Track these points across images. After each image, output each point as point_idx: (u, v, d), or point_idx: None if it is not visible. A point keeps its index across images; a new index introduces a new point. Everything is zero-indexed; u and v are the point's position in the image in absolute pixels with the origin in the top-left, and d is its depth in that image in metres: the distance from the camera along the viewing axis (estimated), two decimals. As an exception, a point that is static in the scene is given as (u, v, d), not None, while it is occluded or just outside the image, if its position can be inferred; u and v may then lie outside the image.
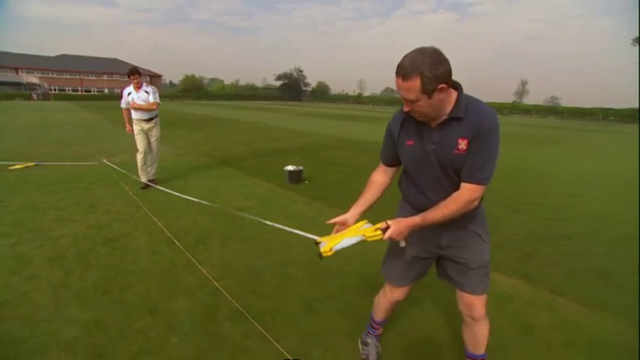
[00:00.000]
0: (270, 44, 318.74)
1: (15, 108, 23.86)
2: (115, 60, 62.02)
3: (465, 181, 1.27)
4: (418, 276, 1.62)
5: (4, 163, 6.16)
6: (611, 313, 2.36)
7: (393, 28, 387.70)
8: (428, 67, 1.15)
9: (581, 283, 2.77)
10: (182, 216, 3.92)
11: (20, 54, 53.75)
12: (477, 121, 1.24)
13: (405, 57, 1.20)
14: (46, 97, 42.77)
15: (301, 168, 5.57)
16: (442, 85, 1.18)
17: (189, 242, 3.20)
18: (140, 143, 4.96)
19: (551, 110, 48.27)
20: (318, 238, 1.43)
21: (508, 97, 65.26)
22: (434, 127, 1.32)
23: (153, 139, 5.10)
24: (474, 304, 1.49)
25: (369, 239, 1.31)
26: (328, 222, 1.52)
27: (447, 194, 1.32)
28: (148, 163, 5.08)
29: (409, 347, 1.99)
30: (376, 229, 1.33)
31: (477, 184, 1.25)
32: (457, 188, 1.31)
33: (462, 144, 1.27)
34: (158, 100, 4.95)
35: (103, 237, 3.28)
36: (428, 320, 2.23)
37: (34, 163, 6.28)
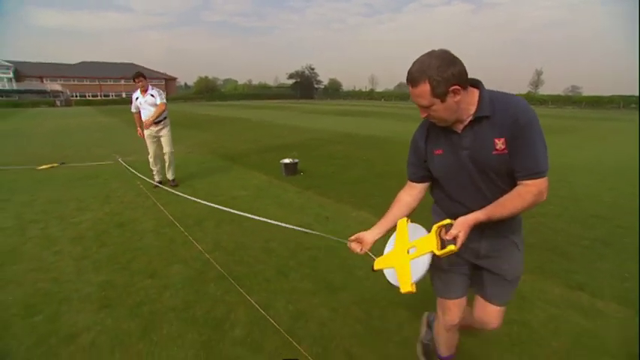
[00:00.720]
0: (283, 43, 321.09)
1: (40, 115, 25.29)
2: (132, 65, 63.93)
3: (527, 179, 1.18)
4: (465, 283, 1.50)
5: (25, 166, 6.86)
6: (543, 275, 2.72)
7: (405, 22, 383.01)
8: (435, 71, 1.11)
9: (529, 254, 3.10)
10: (185, 204, 4.42)
11: (44, 63, 56.37)
12: (510, 117, 1.16)
13: (413, 62, 1.17)
14: (68, 103, 44.81)
15: (296, 161, 6.02)
16: (455, 87, 1.14)
17: (189, 224, 3.71)
18: (150, 147, 5.23)
19: (569, 100, 47.03)
20: (374, 264, 1.35)
21: (524, 88, 63.97)
22: (462, 131, 1.25)
23: (164, 140, 5.23)
24: (496, 316, 1.47)
25: (441, 255, 1.16)
26: (349, 243, 1.46)
27: (486, 200, 1.24)
28: (164, 164, 5.34)
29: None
30: (443, 242, 1.18)
31: (541, 177, 1.17)
32: (498, 191, 1.24)
33: (499, 143, 1.19)
34: (164, 100, 5.10)
35: (115, 222, 3.81)
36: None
37: (58, 164, 6.96)
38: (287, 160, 5.98)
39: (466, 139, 1.24)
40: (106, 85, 57.30)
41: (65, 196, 4.76)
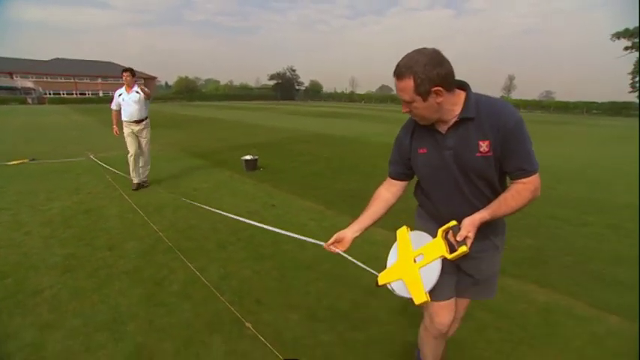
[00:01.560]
0: (265, 44, 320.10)
1: (11, 112, 24.72)
2: (110, 63, 62.76)
3: (522, 177, 1.21)
4: (453, 282, 1.47)
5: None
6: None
7: (389, 25, 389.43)
8: (422, 68, 1.13)
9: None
10: (149, 194, 4.88)
11: (14, 58, 54.43)
12: (497, 121, 1.18)
13: (403, 57, 1.18)
14: (41, 101, 43.54)
15: (256, 157, 6.54)
16: (437, 88, 1.15)
17: (149, 210, 4.18)
18: (131, 145, 5.13)
19: (538, 105, 49.35)
20: (378, 279, 1.31)
21: (498, 93, 66.88)
22: (446, 132, 1.27)
23: (144, 141, 5.23)
24: (460, 307, 1.51)
25: (453, 258, 1.16)
26: (326, 245, 1.44)
27: (467, 202, 1.28)
28: (140, 164, 5.26)
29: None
30: (452, 245, 1.18)
31: (534, 173, 1.21)
32: (479, 194, 1.28)
33: (484, 146, 1.21)
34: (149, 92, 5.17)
35: (83, 209, 4.24)
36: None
37: (28, 160, 7.22)
38: (248, 157, 6.49)
39: (450, 139, 1.26)
40: (82, 83, 55.87)
41: (36, 188, 5.12)
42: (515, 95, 65.98)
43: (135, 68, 5.25)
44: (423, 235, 1.29)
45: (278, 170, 6.53)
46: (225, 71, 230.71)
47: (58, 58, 58.84)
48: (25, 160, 7.15)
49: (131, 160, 5.17)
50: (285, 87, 78.73)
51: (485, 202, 1.26)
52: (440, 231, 1.22)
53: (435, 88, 1.15)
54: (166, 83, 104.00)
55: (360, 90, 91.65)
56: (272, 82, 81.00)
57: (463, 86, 1.26)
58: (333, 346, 2.04)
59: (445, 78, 1.15)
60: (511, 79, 67.88)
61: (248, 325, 2.16)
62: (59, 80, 53.60)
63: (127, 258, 3.01)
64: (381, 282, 1.30)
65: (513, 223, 4.04)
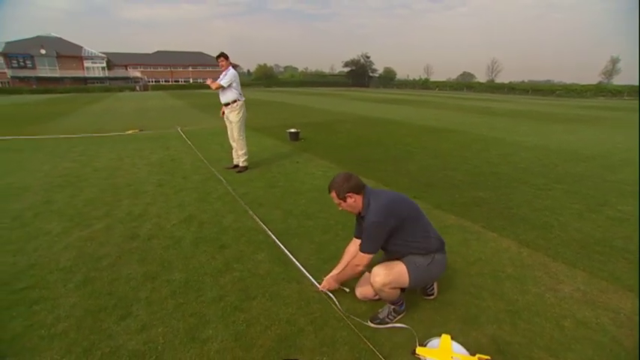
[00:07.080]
0: (343, 30, 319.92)
1: (125, 98, 30.35)
2: (199, 53, 70.23)
3: (360, 251, 2.00)
4: None
5: (116, 134, 9.78)
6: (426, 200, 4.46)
7: (475, 7, 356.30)
8: (337, 185, 2.01)
9: (433, 191, 4.83)
10: (211, 152, 6.74)
11: (127, 53, 64.43)
12: (367, 218, 1.96)
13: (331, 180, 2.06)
14: (145, 88, 51.49)
15: (299, 130, 8.07)
16: (348, 194, 1.99)
17: (210, 160, 5.99)
18: (227, 127, 5.47)
19: (648, 90, 42.18)
20: (417, 349, 1.72)
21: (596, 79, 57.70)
22: (360, 219, 2.12)
23: (232, 124, 5.29)
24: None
25: None
26: (320, 288, 2.30)
27: (396, 250, 2.04)
28: (234, 148, 5.47)
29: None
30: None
31: (363, 253, 1.97)
32: (396, 248, 2.02)
33: None
34: (222, 82, 4.96)
35: (170, 158, 6.26)
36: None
37: (138, 130, 9.82)
38: (292, 130, 8.07)
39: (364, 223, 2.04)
40: (177, 71, 63.98)
41: (143, 147, 7.39)
42: (620, 80, 56.57)
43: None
44: (461, 347, 1.75)
45: (314, 141, 7.99)
46: (303, 59, 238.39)
47: (159, 51, 67.85)
48: (136, 130, 9.77)
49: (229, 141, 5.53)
50: (358, 74, 79.10)
51: (399, 250, 2.03)
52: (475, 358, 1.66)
53: (347, 194, 2.01)
54: (248, 71, 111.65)
55: (440, 77, 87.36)
56: (346, 69, 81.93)
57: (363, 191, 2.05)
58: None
59: (352, 187, 2.00)
60: (614, 61, 58.19)
61: (251, 213, 3.69)
62: (159, 70, 62.24)
63: (192, 182, 4.81)
64: (418, 352, 1.71)
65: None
